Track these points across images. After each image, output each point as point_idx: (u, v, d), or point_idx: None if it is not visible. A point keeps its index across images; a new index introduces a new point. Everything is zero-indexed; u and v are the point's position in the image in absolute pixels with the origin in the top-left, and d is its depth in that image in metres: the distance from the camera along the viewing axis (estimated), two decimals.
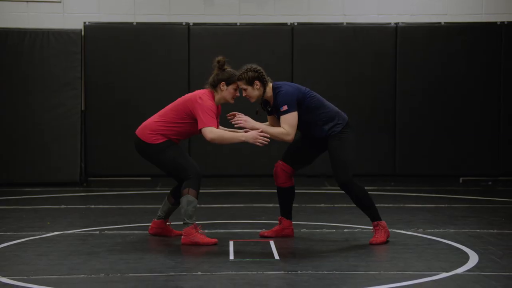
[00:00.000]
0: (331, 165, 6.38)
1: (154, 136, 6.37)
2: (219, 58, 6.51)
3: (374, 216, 6.37)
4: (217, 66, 6.48)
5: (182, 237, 6.27)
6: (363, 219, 7.40)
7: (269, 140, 6.30)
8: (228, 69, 6.49)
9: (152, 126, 6.42)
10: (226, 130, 6.47)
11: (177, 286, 4.90)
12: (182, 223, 6.27)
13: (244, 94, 6.42)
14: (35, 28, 11.18)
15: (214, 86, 6.44)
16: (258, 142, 6.26)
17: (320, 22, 11.59)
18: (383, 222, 6.40)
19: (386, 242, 6.30)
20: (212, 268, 5.40)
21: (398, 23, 11.57)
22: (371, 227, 6.46)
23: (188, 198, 6.23)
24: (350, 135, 6.43)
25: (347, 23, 11.59)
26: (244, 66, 6.45)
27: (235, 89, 6.48)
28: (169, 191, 6.66)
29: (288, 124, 6.25)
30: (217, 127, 6.39)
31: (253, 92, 6.38)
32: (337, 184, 6.39)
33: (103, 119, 11.35)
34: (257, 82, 6.36)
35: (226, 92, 6.44)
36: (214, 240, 6.28)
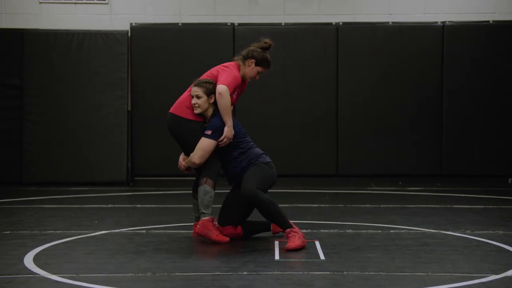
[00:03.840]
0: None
1: (191, 111, 6.35)
2: (269, 41, 6.53)
3: (286, 225, 6.12)
4: (261, 45, 6.49)
5: (198, 226, 6.30)
6: (410, 220, 7.35)
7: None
8: (267, 54, 6.48)
9: (189, 101, 6.40)
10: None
11: (223, 286, 4.92)
12: (195, 215, 6.24)
13: (194, 102, 6.38)
14: (82, 29, 11.33)
15: (245, 59, 6.48)
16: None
17: (365, 21, 11.52)
18: (296, 228, 6.12)
19: (303, 248, 5.99)
20: (257, 268, 5.40)
21: (445, 22, 11.44)
22: (418, 228, 6.40)
23: (205, 188, 6.25)
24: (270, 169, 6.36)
25: (392, 22, 11.49)
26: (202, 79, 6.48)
27: (259, 73, 6.51)
28: (191, 190, 6.62)
29: (202, 149, 6.27)
30: (232, 99, 6.36)
31: (205, 104, 6.39)
32: (242, 194, 6.17)
33: (149, 119, 11.44)
34: (213, 96, 6.38)
35: (250, 69, 6.49)
36: (226, 239, 6.28)
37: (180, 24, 11.51)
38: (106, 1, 11.51)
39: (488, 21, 11.42)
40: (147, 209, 8.38)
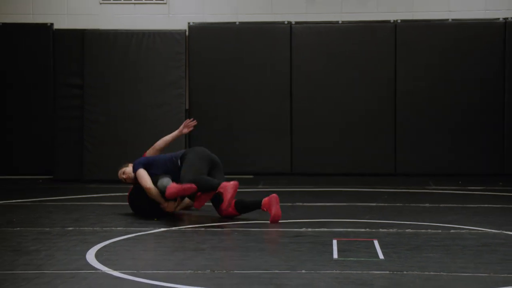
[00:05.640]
0: None
1: None
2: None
3: (214, 186, 7.27)
4: None
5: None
6: (471, 220, 7.23)
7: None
8: None
9: None
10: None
11: (282, 284, 4.92)
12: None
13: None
14: (141, 29, 11.48)
15: None
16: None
17: (424, 18, 11.37)
18: (225, 183, 7.22)
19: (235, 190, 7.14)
20: (316, 266, 5.39)
21: (507, 18, 11.20)
22: (479, 228, 6.30)
23: None
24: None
25: (452, 19, 11.32)
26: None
27: None
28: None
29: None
30: None
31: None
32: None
33: (206, 118, 11.50)
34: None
35: None
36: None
37: (237, 23, 11.56)
38: (165, 1, 11.63)
39: None
40: (205, 207, 8.44)
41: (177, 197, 7.47)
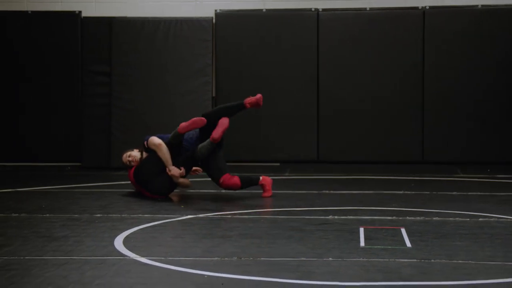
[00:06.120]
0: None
1: None
2: None
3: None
4: None
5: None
6: (499, 208, 7.17)
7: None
8: None
9: None
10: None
11: (308, 271, 4.92)
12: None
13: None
14: (168, 17, 11.50)
15: None
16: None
17: (453, 5, 11.25)
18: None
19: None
20: (343, 254, 5.39)
21: None
22: (508, 217, 6.24)
23: None
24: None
25: (481, 5, 11.18)
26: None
27: None
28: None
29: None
30: None
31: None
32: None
33: None
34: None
35: None
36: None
37: (264, 10, 11.53)
38: None
39: None
40: (231, 194, 8.46)
41: (189, 129, 8.01)
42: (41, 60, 11.65)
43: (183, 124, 8.02)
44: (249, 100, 8.31)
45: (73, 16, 11.60)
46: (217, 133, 7.89)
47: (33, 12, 11.67)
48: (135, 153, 8.24)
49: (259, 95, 8.30)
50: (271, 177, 8.40)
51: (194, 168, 8.36)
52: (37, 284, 4.63)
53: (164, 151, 8.02)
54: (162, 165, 8.03)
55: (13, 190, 8.79)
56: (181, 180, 8.10)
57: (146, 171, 8.08)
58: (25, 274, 4.83)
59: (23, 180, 9.69)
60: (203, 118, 8.01)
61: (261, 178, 8.25)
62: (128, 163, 8.24)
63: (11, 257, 5.28)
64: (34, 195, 8.44)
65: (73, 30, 11.58)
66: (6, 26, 11.64)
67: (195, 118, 8.01)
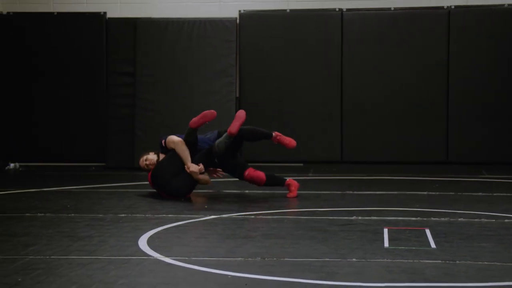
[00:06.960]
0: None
1: None
2: None
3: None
4: None
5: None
6: None
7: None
8: None
9: None
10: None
11: (332, 272, 4.91)
12: None
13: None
14: (192, 17, 11.54)
15: None
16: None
17: (479, 4, 11.16)
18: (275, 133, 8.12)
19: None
20: (366, 255, 5.36)
21: None
22: None
23: None
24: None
25: (508, 4, 11.08)
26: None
27: None
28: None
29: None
30: None
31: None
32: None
33: (256, 106, 11.53)
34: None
35: None
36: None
37: (288, 11, 11.53)
38: None
39: None
40: (254, 194, 8.47)
41: (200, 123, 8.14)
42: (66, 61, 11.74)
43: (194, 119, 8.11)
44: (281, 138, 8.25)
45: (98, 17, 11.68)
46: (234, 127, 7.89)
47: (59, 13, 11.78)
48: (152, 156, 8.26)
49: (289, 141, 8.23)
50: (294, 178, 8.38)
51: (214, 169, 8.35)
52: (62, 283, 4.67)
53: (183, 148, 8.04)
54: (179, 165, 8.03)
55: (39, 190, 8.87)
56: (201, 176, 8.11)
57: (162, 174, 8.07)
58: (50, 274, 4.87)
59: (49, 180, 9.78)
60: (213, 110, 8.17)
61: (287, 179, 8.23)
62: (146, 167, 8.29)
63: (37, 257, 5.33)
64: (59, 195, 8.51)
65: (98, 31, 11.67)
66: (33, 27, 11.75)
67: (205, 111, 8.15)
